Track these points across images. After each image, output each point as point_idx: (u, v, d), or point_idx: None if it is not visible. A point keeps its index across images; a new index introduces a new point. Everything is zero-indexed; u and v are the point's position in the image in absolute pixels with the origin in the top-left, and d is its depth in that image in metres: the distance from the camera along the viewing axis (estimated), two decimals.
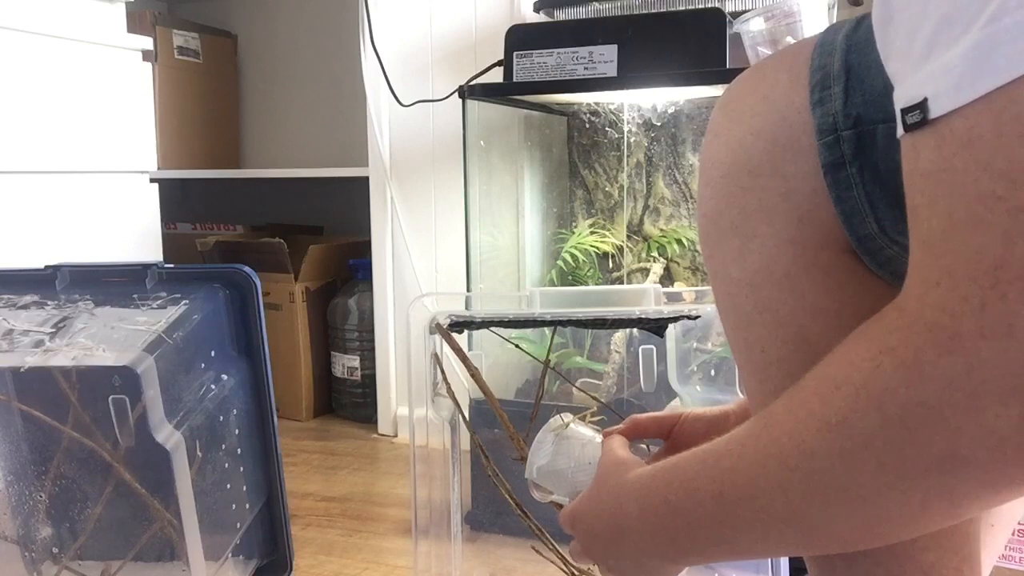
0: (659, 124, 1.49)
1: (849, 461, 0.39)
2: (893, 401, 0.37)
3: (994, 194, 0.34)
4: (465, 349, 0.97)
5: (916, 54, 0.37)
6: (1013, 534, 1.09)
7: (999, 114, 0.34)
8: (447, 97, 1.56)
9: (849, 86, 0.45)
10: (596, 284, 1.49)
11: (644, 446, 0.81)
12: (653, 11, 1.34)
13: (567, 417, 0.77)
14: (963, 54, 0.34)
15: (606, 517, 0.58)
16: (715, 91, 1.28)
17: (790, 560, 0.95)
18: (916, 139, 0.37)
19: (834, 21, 0.54)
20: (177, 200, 2.28)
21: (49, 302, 1.02)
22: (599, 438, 0.73)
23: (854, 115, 0.45)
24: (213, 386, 1.01)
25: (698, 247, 1.48)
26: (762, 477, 0.43)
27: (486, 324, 0.99)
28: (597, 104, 1.51)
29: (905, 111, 0.37)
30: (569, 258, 1.50)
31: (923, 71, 0.36)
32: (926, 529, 0.43)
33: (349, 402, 1.98)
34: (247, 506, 1.07)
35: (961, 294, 0.35)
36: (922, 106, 0.36)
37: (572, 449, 0.73)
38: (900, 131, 0.38)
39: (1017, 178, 0.33)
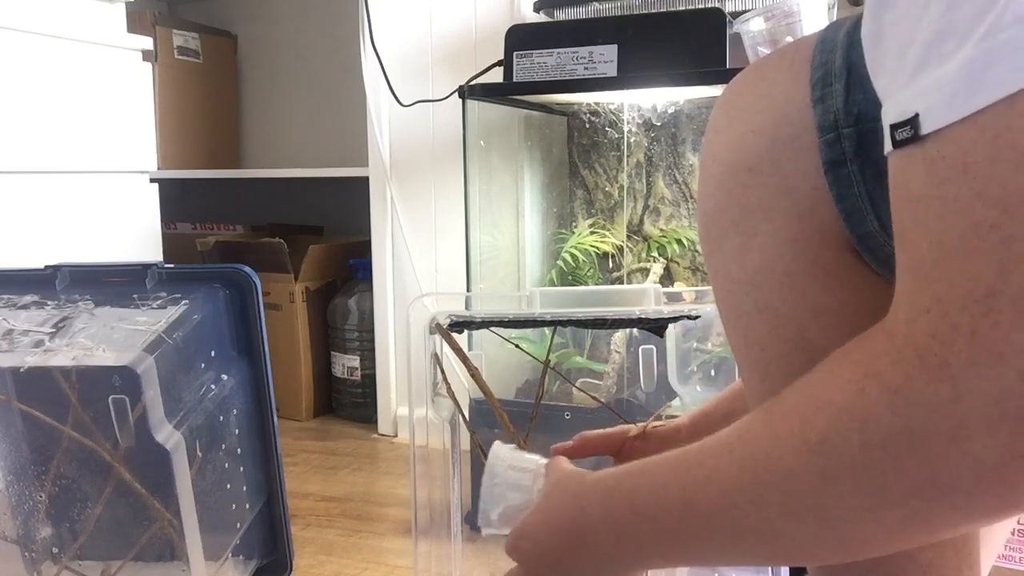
0: (659, 124, 1.49)
1: (828, 483, 0.39)
2: (877, 425, 0.37)
3: (987, 222, 0.33)
4: (465, 349, 0.97)
5: (907, 70, 0.36)
6: (1013, 534, 1.10)
7: (994, 139, 0.33)
8: (447, 97, 1.56)
9: (851, 83, 0.45)
10: (596, 284, 1.49)
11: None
12: (653, 11, 1.34)
13: (504, 447, 0.71)
14: (957, 69, 0.34)
15: (562, 525, 0.55)
16: (715, 91, 1.28)
17: None
18: (906, 160, 0.37)
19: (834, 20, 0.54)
20: (177, 200, 2.28)
21: (49, 302, 1.02)
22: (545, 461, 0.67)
23: (856, 112, 0.45)
24: (213, 386, 1.01)
25: (698, 247, 1.48)
26: (735, 491, 0.43)
27: (486, 324, 0.99)
28: (597, 104, 1.51)
29: (895, 127, 0.37)
30: (569, 258, 1.50)
31: (914, 87, 0.36)
32: (900, 548, 0.43)
33: (349, 402, 1.98)
34: (247, 506, 1.07)
35: (951, 321, 0.34)
36: (913, 122, 0.36)
37: (523, 480, 0.67)
38: (888, 147, 0.38)
39: (1011, 206, 0.33)
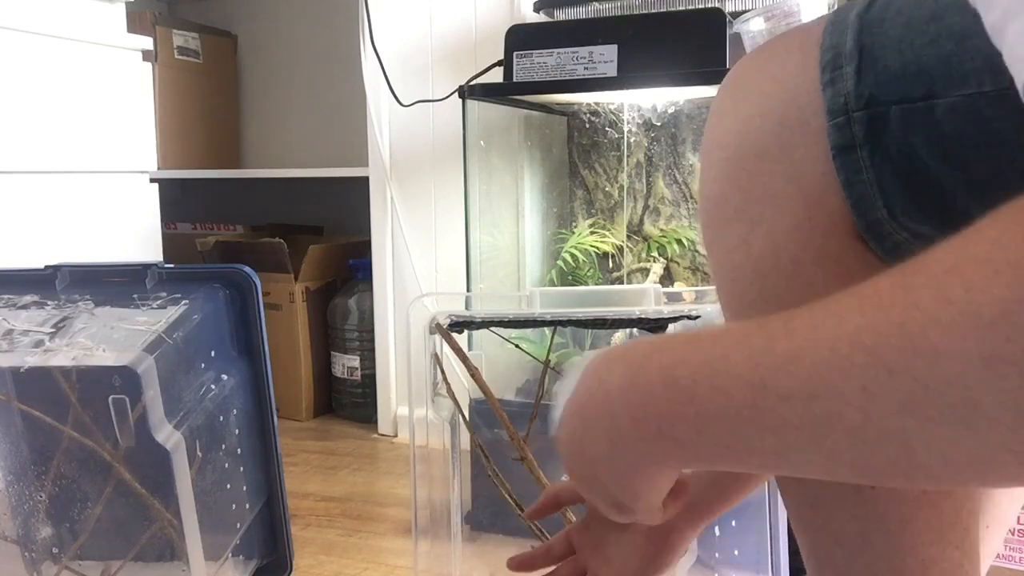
0: (659, 124, 1.49)
1: (993, 371, 0.29)
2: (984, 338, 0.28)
3: None
4: (465, 349, 0.97)
5: None
6: (1013, 534, 1.10)
7: None
8: (447, 97, 1.56)
9: (862, 66, 0.44)
10: (596, 284, 1.49)
11: None
12: (653, 11, 1.34)
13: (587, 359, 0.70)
14: None
15: (580, 401, 0.46)
16: (715, 91, 1.28)
17: (790, 560, 0.95)
18: None
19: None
20: (177, 200, 2.28)
21: (49, 302, 1.02)
22: None
23: (866, 95, 0.44)
24: (213, 386, 1.01)
25: (698, 247, 1.48)
26: (840, 374, 0.33)
27: (486, 324, 0.99)
28: (597, 104, 1.51)
29: None
30: (569, 258, 1.50)
31: None
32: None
33: (349, 402, 1.98)
34: (247, 506, 1.07)
35: None
36: None
37: None
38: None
39: None
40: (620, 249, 1.53)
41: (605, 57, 1.24)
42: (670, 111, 1.48)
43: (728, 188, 0.50)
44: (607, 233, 1.54)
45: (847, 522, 0.51)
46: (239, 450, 1.06)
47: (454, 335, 0.98)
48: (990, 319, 0.29)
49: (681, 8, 1.31)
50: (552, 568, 0.75)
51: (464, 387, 1.07)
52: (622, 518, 0.49)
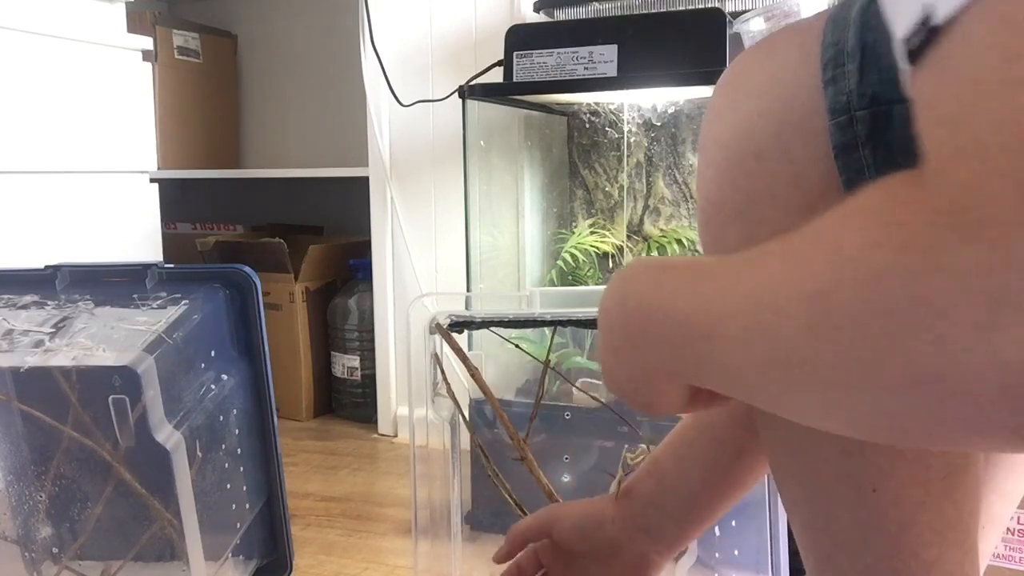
0: (659, 124, 1.49)
1: (817, 342, 0.33)
2: (888, 288, 0.30)
3: None
4: (465, 349, 0.97)
5: None
6: (1014, 534, 1.09)
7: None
8: (447, 97, 1.56)
9: (864, 64, 0.43)
10: (596, 284, 1.49)
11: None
12: (653, 11, 1.34)
13: None
14: None
15: (605, 302, 0.50)
16: None
17: (790, 560, 0.95)
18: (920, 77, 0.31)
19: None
20: (177, 200, 2.28)
21: (49, 302, 1.02)
22: None
23: (869, 94, 0.43)
24: (213, 386, 1.01)
25: (698, 247, 1.48)
26: (731, 319, 0.38)
27: (486, 324, 0.99)
28: (597, 104, 1.51)
29: (907, 40, 0.32)
30: (569, 258, 1.50)
31: None
32: (909, 443, 0.36)
33: (349, 402, 1.98)
34: (247, 506, 1.07)
35: (996, 169, 0.27)
36: (924, 20, 0.31)
37: None
38: (905, 66, 0.33)
39: None
40: (620, 249, 1.53)
41: (605, 57, 1.24)
42: (670, 111, 1.48)
43: (727, 189, 0.49)
44: (607, 233, 1.54)
45: (847, 525, 0.50)
46: (239, 450, 1.06)
47: (454, 335, 0.98)
48: (812, 293, 0.33)
49: (681, 8, 1.32)
50: None
51: (464, 387, 1.07)
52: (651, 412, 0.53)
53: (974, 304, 0.28)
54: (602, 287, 0.50)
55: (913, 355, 0.30)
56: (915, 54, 0.32)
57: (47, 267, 1.05)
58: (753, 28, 1.14)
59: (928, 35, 0.31)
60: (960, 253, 0.28)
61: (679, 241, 1.49)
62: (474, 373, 0.95)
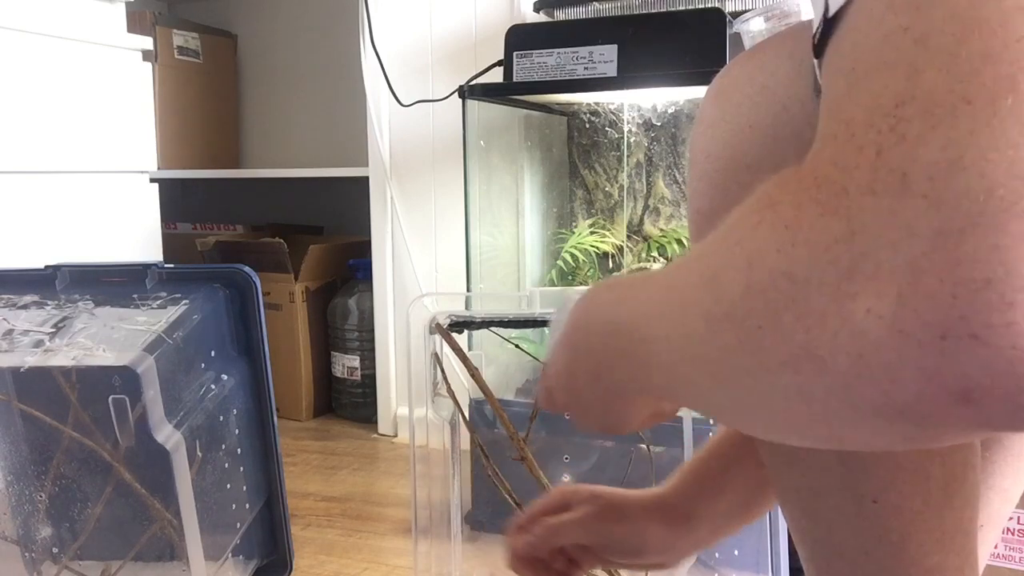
0: (659, 124, 1.49)
1: (711, 329, 0.33)
2: (761, 266, 0.31)
3: (900, 27, 0.29)
4: (465, 349, 0.97)
5: None
6: (1014, 534, 1.09)
7: None
8: (447, 97, 1.56)
9: None
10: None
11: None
12: (653, 11, 1.34)
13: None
14: None
15: (566, 330, 0.50)
16: None
17: (790, 560, 0.95)
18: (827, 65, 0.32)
19: None
20: (177, 200, 2.28)
21: (49, 302, 1.02)
22: None
23: None
24: (213, 386, 1.01)
25: None
26: (656, 319, 0.39)
27: (486, 324, 0.99)
28: (597, 104, 1.51)
29: (812, 35, 0.33)
30: (569, 258, 1.50)
31: None
32: (806, 440, 0.36)
33: (349, 402, 1.98)
34: (247, 506, 1.07)
35: (857, 143, 0.28)
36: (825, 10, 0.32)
37: None
38: (812, 60, 0.34)
39: (921, 4, 0.28)
40: (620, 249, 1.53)
41: (605, 57, 1.24)
42: (670, 111, 1.48)
43: (720, 201, 0.49)
44: (607, 233, 1.54)
45: (848, 536, 0.50)
46: (239, 450, 1.06)
47: (454, 335, 0.98)
48: (707, 279, 0.34)
49: (681, 8, 1.31)
50: None
51: (464, 387, 1.07)
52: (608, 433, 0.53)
53: (831, 274, 0.28)
54: None
55: (786, 331, 0.30)
56: (818, 48, 0.33)
57: (47, 267, 1.05)
58: (753, 28, 1.14)
59: (826, 28, 0.32)
60: (818, 224, 0.29)
61: (679, 241, 1.49)
62: (474, 373, 0.95)
